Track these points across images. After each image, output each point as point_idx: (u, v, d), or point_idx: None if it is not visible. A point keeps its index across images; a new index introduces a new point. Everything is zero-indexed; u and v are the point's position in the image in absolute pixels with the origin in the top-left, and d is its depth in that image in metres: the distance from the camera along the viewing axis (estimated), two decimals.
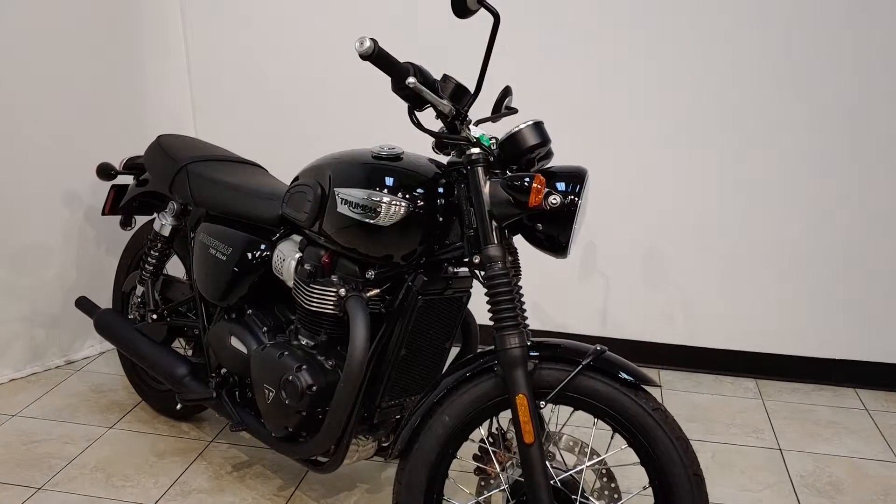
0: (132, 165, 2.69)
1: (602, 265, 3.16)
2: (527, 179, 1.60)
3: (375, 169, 1.83)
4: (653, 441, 1.61)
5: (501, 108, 1.95)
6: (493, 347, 1.70)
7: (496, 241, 1.65)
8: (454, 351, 2.04)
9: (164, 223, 2.42)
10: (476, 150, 1.68)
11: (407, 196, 1.77)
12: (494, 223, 1.66)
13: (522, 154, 1.69)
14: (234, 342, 2.15)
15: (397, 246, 1.80)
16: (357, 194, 1.80)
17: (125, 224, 2.77)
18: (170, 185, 2.39)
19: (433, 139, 2.04)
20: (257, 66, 3.29)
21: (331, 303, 1.88)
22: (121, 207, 2.71)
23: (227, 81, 3.34)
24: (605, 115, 2.99)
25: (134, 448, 2.51)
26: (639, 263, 3.13)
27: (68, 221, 3.06)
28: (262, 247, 2.13)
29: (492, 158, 1.71)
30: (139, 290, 2.54)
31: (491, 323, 1.66)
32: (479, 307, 2.03)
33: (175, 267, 2.70)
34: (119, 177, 2.68)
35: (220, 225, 2.24)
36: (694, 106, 2.92)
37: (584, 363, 1.63)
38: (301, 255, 2.02)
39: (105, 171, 2.64)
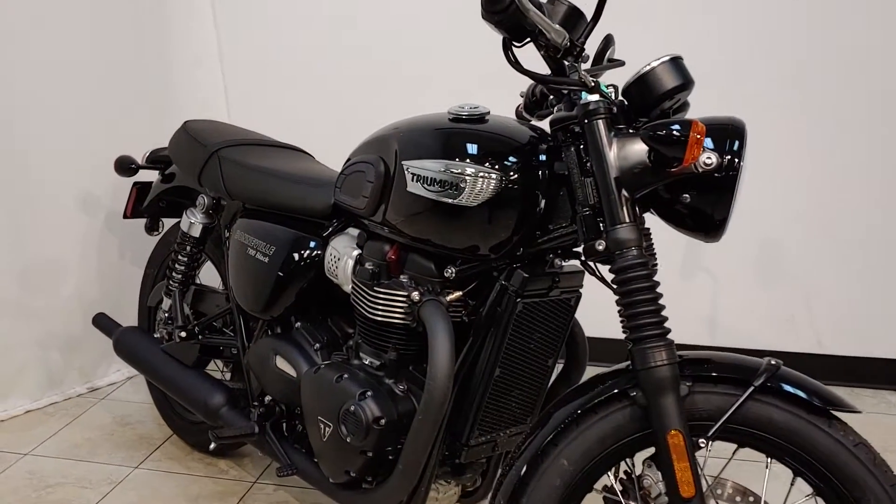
0: (156, 158, 2.35)
1: (708, 261, 2.72)
2: (676, 128, 1.19)
3: (455, 134, 1.44)
4: (856, 488, 1.18)
5: (603, 60, 1.54)
6: (621, 365, 1.29)
7: (629, 220, 1.24)
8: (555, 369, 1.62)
9: (192, 221, 2.06)
10: (595, 97, 1.28)
11: (497, 166, 1.37)
12: (625, 194, 1.25)
13: (657, 101, 1.29)
14: (280, 363, 1.77)
15: (486, 233, 1.41)
16: (433, 167, 1.40)
17: (151, 228, 2.43)
18: (199, 176, 2.03)
19: (523, 103, 1.66)
20: (295, 46, 2.93)
21: (400, 311, 1.49)
22: (145, 208, 2.37)
23: (262, 64, 2.99)
24: (726, 85, 2.50)
25: (163, 492, 2.15)
26: (753, 259, 2.69)
27: (86, 228, 2.72)
28: (312, 244, 1.75)
29: (615, 109, 1.30)
30: (166, 303, 2.17)
31: (623, 333, 1.25)
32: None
33: (209, 275, 2.33)
34: (142, 172, 2.33)
35: (259, 220, 1.87)
36: (830, 87, 2.47)
37: (755, 384, 1.21)
38: (360, 252, 1.63)
39: (125, 166, 2.30)
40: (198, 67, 3.00)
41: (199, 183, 2.05)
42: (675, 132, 1.18)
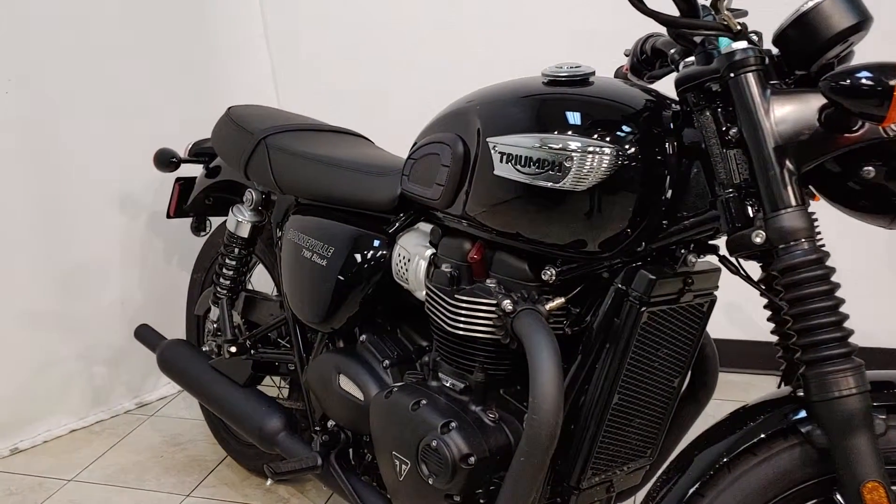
0: (200, 151, 2.14)
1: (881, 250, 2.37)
2: (868, 76, 0.90)
3: (554, 101, 1.17)
4: None
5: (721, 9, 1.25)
6: (780, 391, 1.02)
7: (795, 202, 0.96)
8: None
9: (240, 220, 1.83)
10: (742, 44, 1.00)
11: (610, 138, 1.10)
12: (789, 168, 0.96)
13: (823, 48, 1.00)
14: (345, 384, 1.52)
15: (597, 224, 1.14)
16: (526, 143, 1.14)
17: (197, 228, 2.23)
18: (245, 168, 1.80)
19: (629, 59, 1.38)
20: (348, 23, 2.68)
21: (488, 323, 1.23)
22: (189, 207, 2.17)
23: (314, 43, 2.75)
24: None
25: None
26: None
27: (127, 230, 2.53)
28: (377, 243, 1.50)
29: (766, 60, 1.02)
30: (214, 312, 1.95)
31: (782, 348, 0.97)
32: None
33: (261, 279, 2.10)
34: (185, 167, 2.13)
35: (315, 217, 1.63)
36: None
37: None
38: (434, 251, 1.38)
39: (165, 161, 2.09)
40: (243, 49, 2.78)
41: (246, 175, 1.82)
42: (870, 83, 0.89)
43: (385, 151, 1.77)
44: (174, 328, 2.46)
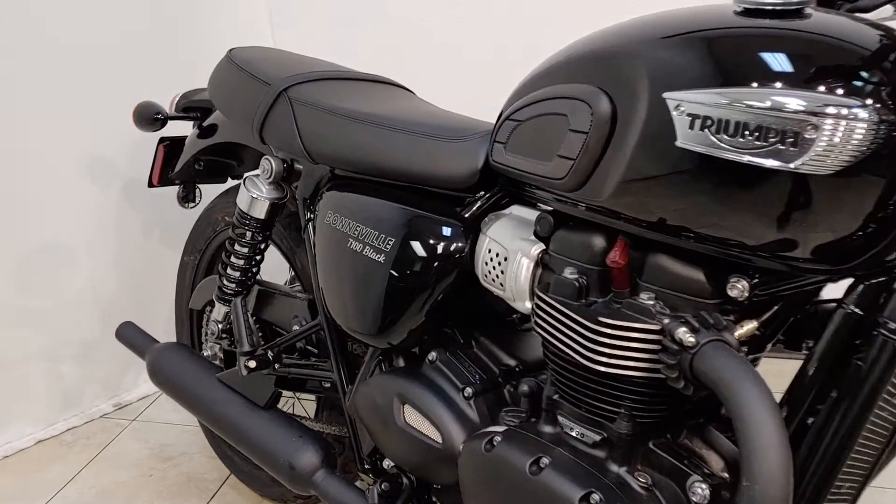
0: (190, 105, 1.76)
1: None
2: None
3: (774, 40, 0.81)
4: None
5: None
6: None
7: None
8: None
9: (255, 196, 1.44)
10: None
11: (865, 98, 0.74)
12: None
13: None
14: (411, 418, 1.17)
15: (832, 223, 0.79)
16: (744, 101, 0.77)
17: (186, 199, 1.86)
18: (261, 129, 1.40)
19: None
20: None
21: (648, 357, 0.88)
22: (177, 173, 1.79)
23: None
24: None
25: None
26: None
27: (98, 203, 2.12)
28: (452, 232, 1.14)
29: None
30: (219, 310, 1.57)
31: None
32: None
33: (270, 268, 1.72)
34: (171, 125, 1.73)
35: (361, 195, 1.25)
36: None
37: None
38: (543, 248, 1.01)
39: (148, 117, 1.70)
40: None
41: (261, 138, 1.42)
42: None
43: (447, 110, 1.38)
44: (158, 321, 2.09)
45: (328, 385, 1.42)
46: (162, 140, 1.80)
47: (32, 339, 2.06)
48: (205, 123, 1.71)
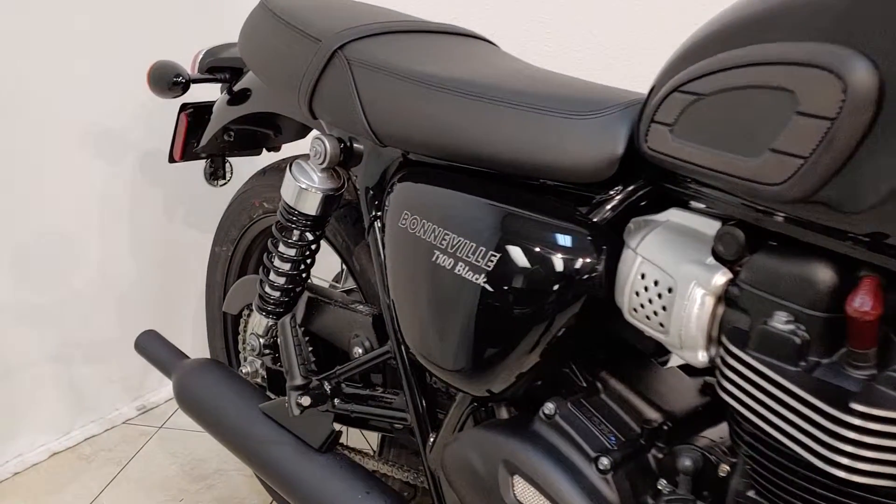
0: (217, 65, 1.47)
1: None
2: None
3: None
4: None
5: None
6: None
7: None
8: None
9: (304, 186, 1.13)
10: None
11: None
12: None
13: None
14: (525, 495, 0.88)
15: None
16: None
17: (214, 175, 1.60)
18: (310, 100, 1.09)
19: None
20: None
21: None
22: (203, 147, 1.51)
23: None
24: None
25: None
26: None
27: (111, 183, 1.82)
28: (577, 243, 0.83)
29: None
30: (260, 324, 1.28)
31: None
32: None
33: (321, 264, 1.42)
34: (195, 89, 1.43)
35: (450, 190, 0.94)
36: None
37: None
38: (730, 277, 0.70)
39: (166, 80, 1.41)
40: None
41: (311, 112, 1.11)
42: None
43: (562, 74, 1.06)
44: (184, 321, 1.81)
45: (400, 427, 1.12)
46: (184, 107, 1.51)
47: (41, 337, 1.79)
48: (235, 87, 1.42)
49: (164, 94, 1.42)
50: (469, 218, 0.91)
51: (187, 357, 1.40)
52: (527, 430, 0.90)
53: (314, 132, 1.12)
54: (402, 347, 1.05)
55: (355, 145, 1.11)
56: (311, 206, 1.13)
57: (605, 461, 0.84)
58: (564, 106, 0.87)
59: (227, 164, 1.61)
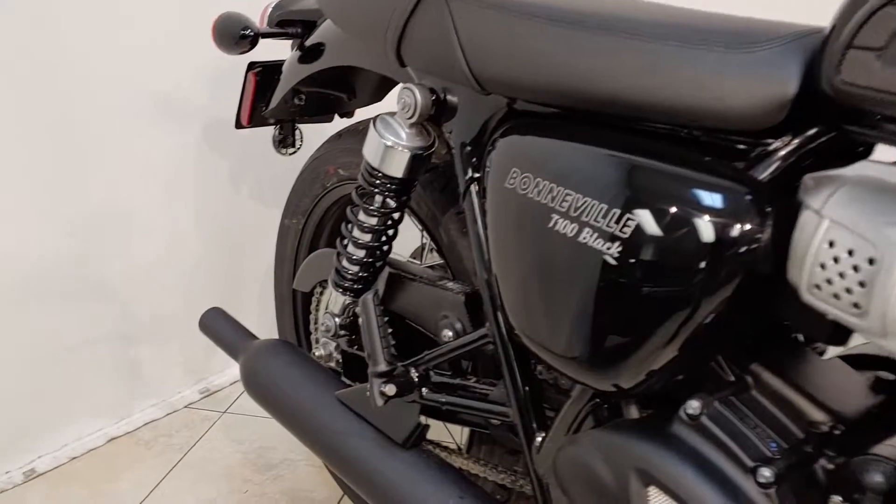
0: (286, 18, 1.32)
1: None
2: None
3: None
4: None
5: None
6: None
7: None
8: None
9: (390, 144, 0.98)
10: None
11: None
12: None
13: None
14: None
15: None
16: None
17: (283, 143, 1.49)
18: (398, 44, 0.95)
19: None
20: None
21: None
22: (271, 110, 1.38)
23: None
24: None
25: None
26: None
27: (172, 152, 1.72)
28: (735, 205, 0.67)
29: None
30: (336, 301, 1.14)
31: None
32: None
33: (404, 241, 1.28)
34: (264, 45, 1.30)
35: (571, 142, 0.78)
36: None
37: None
38: None
39: (232, 34, 1.30)
40: None
41: (399, 58, 0.97)
42: None
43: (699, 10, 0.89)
44: (250, 298, 1.70)
45: (497, 423, 0.97)
46: (252, 66, 1.39)
47: (100, 315, 1.69)
48: (307, 42, 1.28)
49: (230, 50, 1.30)
50: (597, 175, 0.75)
51: (255, 337, 1.27)
52: (665, 433, 0.74)
53: (400, 85, 0.97)
54: (505, 331, 0.90)
55: (449, 97, 0.96)
56: (397, 166, 0.99)
57: (766, 472, 0.68)
58: (719, 38, 0.71)
59: (297, 131, 1.50)
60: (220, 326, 1.31)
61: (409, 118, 0.96)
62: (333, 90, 1.39)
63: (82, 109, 1.54)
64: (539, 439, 0.89)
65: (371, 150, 1.00)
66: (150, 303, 1.76)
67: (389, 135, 0.98)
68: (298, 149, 1.51)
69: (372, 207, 1.04)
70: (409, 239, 1.32)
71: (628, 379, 0.76)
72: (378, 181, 1.01)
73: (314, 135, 1.49)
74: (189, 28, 1.59)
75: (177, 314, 1.78)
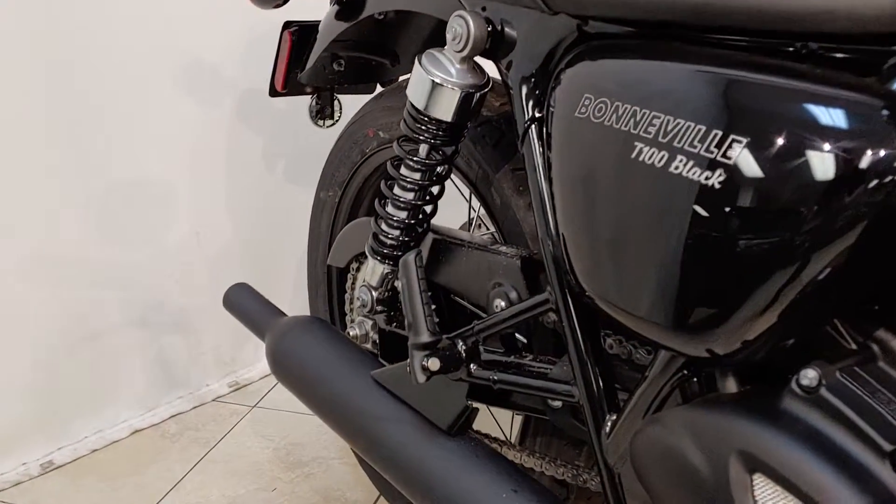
0: None
1: None
2: None
3: None
4: None
5: None
6: None
7: None
8: None
9: (438, 81, 0.85)
10: None
11: None
12: None
13: None
14: (774, 500, 0.57)
15: None
16: None
17: (321, 113, 1.38)
18: None
19: None
20: None
21: None
22: (307, 74, 1.27)
23: None
24: None
25: None
26: None
27: (202, 124, 1.61)
28: (865, 124, 0.55)
29: None
30: (373, 271, 1.02)
31: None
32: None
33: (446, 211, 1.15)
34: (300, 3, 1.20)
35: (651, 59, 0.65)
36: None
37: None
38: None
39: None
40: None
41: None
42: None
43: None
44: (283, 280, 1.59)
45: (558, 405, 0.84)
46: (287, 25, 1.27)
47: (126, 301, 1.59)
48: None
49: (264, 3, 1.19)
50: (692, 92, 0.62)
51: (283, 314, 1.15)
52: (774, 409, 0.60)
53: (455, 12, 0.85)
54: (568, 292, 0.76)
55: (506, 29, 0.83)
56: (446, 108, 0.86)
57: None
58: None
59: (336, 101, 1.38)
60: (246, 302, 1.19)
61: (461, 51, 0.83)
62: (374, 55, 1.28)
63: (109, 82, 1.45)
64: (610, 423, 0.75)
65: (416, 90, 0.87)
66: (179, 290, 1.66)
67: (438, 71, 0.85)
68: (337, 121, 1.39)
69: (415, 159, 0.91)
70: (449, 216, 1.20)
71: (729, 342, 0.62)
72: (423, 126, 0.88)
73: (354, 107, 1.38)
74: None
75: (206, 302, 1.68)
